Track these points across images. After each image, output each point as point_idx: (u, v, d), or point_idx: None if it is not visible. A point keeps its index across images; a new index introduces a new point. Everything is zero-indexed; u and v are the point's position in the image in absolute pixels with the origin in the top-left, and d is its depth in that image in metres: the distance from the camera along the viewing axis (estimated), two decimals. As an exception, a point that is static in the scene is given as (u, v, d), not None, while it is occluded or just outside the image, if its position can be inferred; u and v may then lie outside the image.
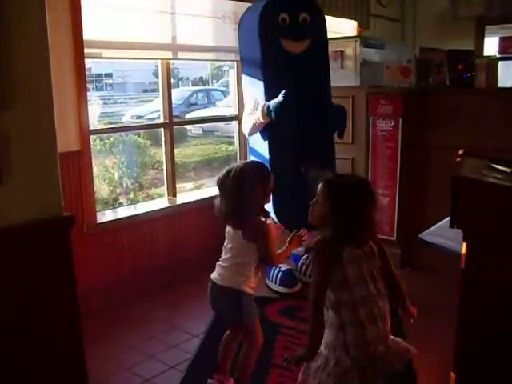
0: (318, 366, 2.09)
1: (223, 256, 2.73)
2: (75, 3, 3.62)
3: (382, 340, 2.11)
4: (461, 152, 2.59)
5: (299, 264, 4.23)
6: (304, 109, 3.77)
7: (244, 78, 4.19)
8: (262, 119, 3.74)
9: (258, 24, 3.78)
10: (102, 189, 5.10)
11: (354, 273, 2.07)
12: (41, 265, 2.01)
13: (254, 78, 3.96)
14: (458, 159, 2.48)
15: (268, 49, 3.81)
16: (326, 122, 3.92)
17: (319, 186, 2.13)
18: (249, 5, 4.95)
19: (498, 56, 6.30)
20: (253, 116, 3.85)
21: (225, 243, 2.74)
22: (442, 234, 2.62)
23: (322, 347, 2.12)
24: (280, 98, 3.65)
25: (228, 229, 2.71)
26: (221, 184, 2.67)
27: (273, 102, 3.68)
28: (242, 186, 2.57)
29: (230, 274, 2.64)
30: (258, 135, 3.96)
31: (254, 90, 3.96)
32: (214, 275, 2.72)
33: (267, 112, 3.69)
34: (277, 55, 3.79)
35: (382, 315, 2.12)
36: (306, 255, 4.18)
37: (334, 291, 2.06)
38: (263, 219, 2.63)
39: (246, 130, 3.99)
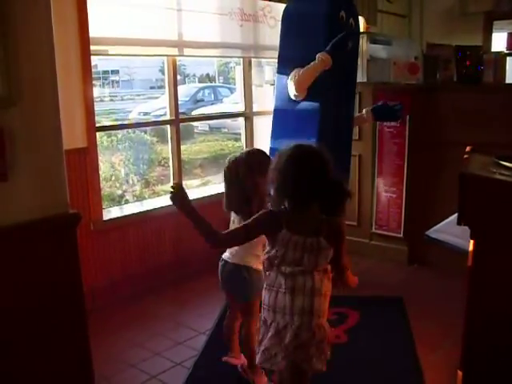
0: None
1: None
2: (81, 0, 3.62)
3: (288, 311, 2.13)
4: (468, 149, 2.58)
5: None
6: (342, 106, 3.90)
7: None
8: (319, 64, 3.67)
9: (325, 18, 3.77)
10: (108, 185, 5.11)
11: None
12: (47, 262, 2.01)
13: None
14: (466, 156, 2.47)
15: (323, 45, 3.83)
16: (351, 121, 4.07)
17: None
18: (257, 1, 4.96)
19: (506, 52, 6.26)
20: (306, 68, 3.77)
21: (230, 224, 2.86)
22: (449, 231, 2.61)
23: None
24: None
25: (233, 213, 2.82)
26: (225, 173, 2.74)
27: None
28: (244, 175, 2.65)
29: (239, 253, 2.78)
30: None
31: None
32: (224, 254, 2.89)
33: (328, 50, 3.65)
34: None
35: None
36: None
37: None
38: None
39: (301, 80, 3.88)
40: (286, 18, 3.96)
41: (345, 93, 3.92)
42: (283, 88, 3.86)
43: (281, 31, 4.00)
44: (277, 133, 3.98)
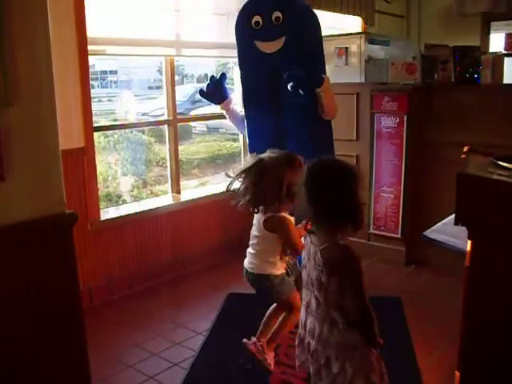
0: None
1: (250, 242, 2.91)
2: (79, 0, 3.61)
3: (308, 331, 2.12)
4: (466, 149, 2.58)
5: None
6: (278, 107, 3.73)
7: None
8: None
9: (234, 29, 3.82)
10: (105, 186, 5.10)
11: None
12: (43, 262, 2.00)
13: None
14: (463, 156, 2.47)
15: (243, 52, 3.84)
16: (302, 121, 3.82)
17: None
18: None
19: (503, 52, 6.27)
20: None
21: (252, 229, 2.89)
22: (447, 231, 2.61)
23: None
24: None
25: (255, 215, 2.84)
26: (247, 172, 2.68)
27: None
28: (262, 177, 2.63)
29: (257, 262, 2.82)
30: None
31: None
32: (245, 263, 2.91)
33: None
34: (251, 57, 3.80)
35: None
36: None
37: None
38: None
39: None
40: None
41: (270, 92, 3.74)
42: None
43: None
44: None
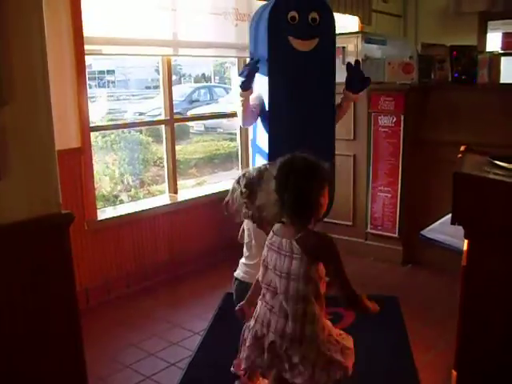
0: None
1: (246, 253, 2.84)
2: (75, 0, 3.61)
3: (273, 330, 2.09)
4: (462, 148, 2.58)
5: None
6: (304, 106, 3.77)
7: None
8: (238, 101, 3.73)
9: (267, 22, 3.77)
10: (102, 185, 5.09)
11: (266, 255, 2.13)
12: (39, 262, 2.00)
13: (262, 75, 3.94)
14: (460, 155, 2.47)
15: (276, 46, 3.81)
16: (327, 121, 3.90)
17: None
18: (251, 1, 4.96)
19: (500, 52, 6.27)
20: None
21: (246, 240, 2.84)
22: (444, 230, 2.61)
23: None
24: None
25: (251, 224, 2.75)
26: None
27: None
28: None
29: (251, 272, 2.71)
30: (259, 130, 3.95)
31: (260, 87, 3.94)
32: (239, 274, 2.81)
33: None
34: (283, 52, 3.78)
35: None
36: None
37: None
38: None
39: (240, 120, 3.95)
40: (252, 22, 3.99)
41: (298, 92, 3.77)
42: None
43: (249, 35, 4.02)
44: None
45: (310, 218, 2.07)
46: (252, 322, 2.18)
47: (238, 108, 3.74)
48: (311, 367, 2.04)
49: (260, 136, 3.95)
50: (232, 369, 2.89)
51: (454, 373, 2.14)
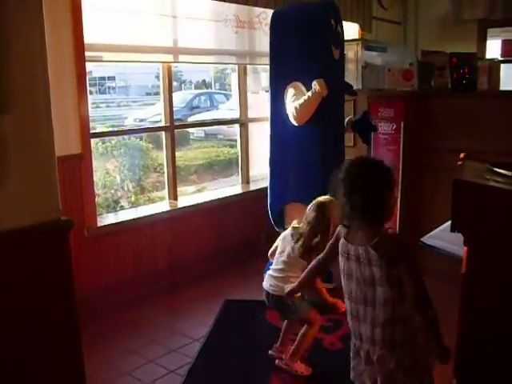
0: None
1: (275, 266, 3.04)
2: (76, 6, 3.62)
3: (365, 339, 2.10)
4: (462, 155, 2.58)
5: None
6: (335, 114, 4.00)
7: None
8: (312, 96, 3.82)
9: (313, 26, 3.81)
10: (103, 192, 5.09)
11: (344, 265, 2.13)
12: (39, 268, 2.00)
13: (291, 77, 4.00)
14: (460, 163, 2.47)
15: (320, 51, 3.86)
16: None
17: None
18: (252, 8, 4.97)
19: (500, 59, 6.29)
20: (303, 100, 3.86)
21: (277, 254, 3.05)
22: (444, 237, 2.61)
23: None
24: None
25: (285, 239, 3.04)
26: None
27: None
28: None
29: (283, 285, 2.88)
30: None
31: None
32: (266, 285, 3.04)
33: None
34: (325, 57, 3.88)
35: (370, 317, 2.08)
36: None
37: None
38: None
39: (301, 113, 3.93)
40: (277, 24, 3.99)
41: (337, 107, 3.95)
42: (279, 111, 4.01)
43: (271, 38, 4.04)
44: (276, 158, 4.12)
45: (381, 219, 2.08)
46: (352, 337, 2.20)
47: (309, 105, 3.78)
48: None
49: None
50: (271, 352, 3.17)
51: (454, 381, 2.14)
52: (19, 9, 1.87)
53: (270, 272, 3.06)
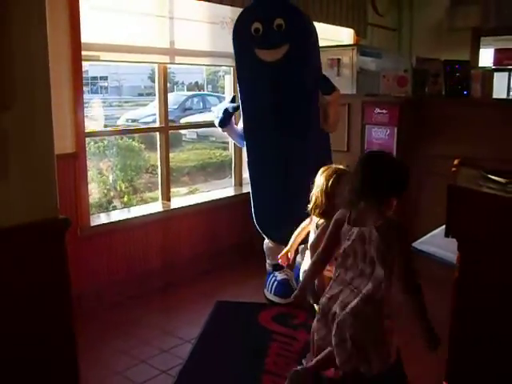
0: None
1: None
2: (74, 6, 3.62)
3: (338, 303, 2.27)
4: (456, 162, 2.61)
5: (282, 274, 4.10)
6: (278, 118, 3.76)
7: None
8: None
9: (232, 37, 3.79)
10: (95, 192, 5.09)
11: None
12: (35, 266, 2.00)
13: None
14: (454, 169, 2.49)
15: (242, 60, 3.80)
16: (304, 135, 3.83)
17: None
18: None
19: (493, 67, 6.35)
20: None
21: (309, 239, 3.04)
22: (436, 243, 2.64)
23: None
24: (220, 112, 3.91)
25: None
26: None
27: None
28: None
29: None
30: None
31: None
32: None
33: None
34: (251, 65, 3.74)
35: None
36: (273, 272, 4.16)
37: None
38: None
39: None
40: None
41: (273, 102, 3.76)
42: None
43: None
44: None
45: (387, 199, 2.26)
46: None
47: (228, 136, 3.82)
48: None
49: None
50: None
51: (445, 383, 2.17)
52: (23, 9, 1.87)
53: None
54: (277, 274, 4.06)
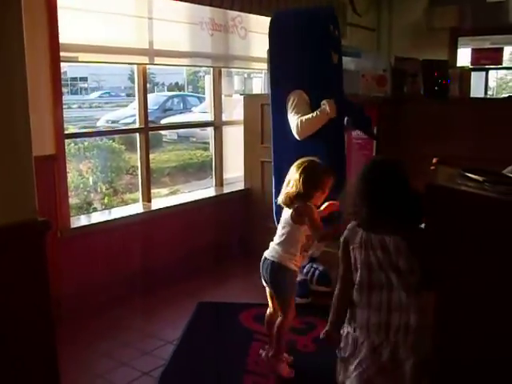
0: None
1: (276, 236, 3.11)
2: (51, 7, 3.59)
3: (384, 328, 2.17)
4: (435, 160, 2.63)
5: (304, 273, 4.15)
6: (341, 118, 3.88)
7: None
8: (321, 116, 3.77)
9: (313, 32, 3.78)
10: (75, 193, 5.05)
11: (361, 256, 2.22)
12: (14, 269, 1.98)
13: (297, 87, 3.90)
14: (433, 168, 2.51)
15: (316, 60, 3.82)
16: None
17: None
18: (227, 12, 4.99)
19: (470, 67, 6.41)
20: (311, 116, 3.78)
21: (278, 226, 3.14)
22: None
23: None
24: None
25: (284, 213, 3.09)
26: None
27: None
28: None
29: (280, 251, 3.02)
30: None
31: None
32: (266, 252, 3.09)
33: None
34: (327, 66, 3.82)
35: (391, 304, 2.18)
36: (309, 263, 4.18)
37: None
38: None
39: (305, 130, 3.89)
40: (275, 31, 3.96)
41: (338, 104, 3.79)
42: (281, 120, 3.89)
43: (271, 45, 4.00)
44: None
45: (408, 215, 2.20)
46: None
47: (315, 123, 3.73)
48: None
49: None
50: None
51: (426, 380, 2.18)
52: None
53: (272, 243, 3.11)
54: (315, 265, 4.19)
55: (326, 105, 3.70)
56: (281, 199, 3.04)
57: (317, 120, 3.71)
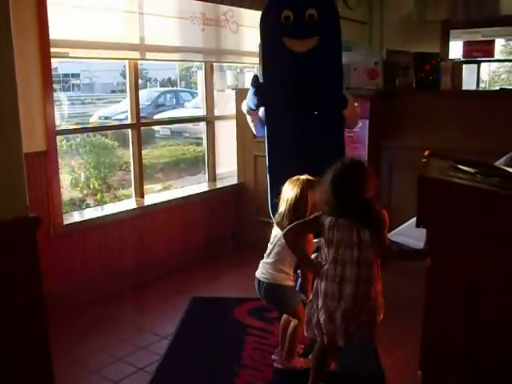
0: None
1: (266, 254, 3.03)
2: (41, 2, 3.57)
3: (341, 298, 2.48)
4: (427, 153, 2.63)
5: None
6: (304, 107, 3.68)
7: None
8: (247, 114, 3.74)
9: (259, 24, 3.69)
10: (68, 190, 5.04)
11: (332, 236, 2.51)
12: (5, 266, 1.97)
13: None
14: (424, 160, 2.52)
15: (270, 48, 3.67)
16: (328, 123, 3.75)
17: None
18: (219, 6, 4.98)
19: (462, 59, 6.41)
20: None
21: (269, 243, 3.04)
22: (409, 233, 2.65)
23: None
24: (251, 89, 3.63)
25: (274, 230, 3.02)
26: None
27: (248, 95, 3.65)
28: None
29: (272, 272, 2.93)
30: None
31: None
32: (258, 273, 3.01)
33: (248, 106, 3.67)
34: (278, 55, 3.63)
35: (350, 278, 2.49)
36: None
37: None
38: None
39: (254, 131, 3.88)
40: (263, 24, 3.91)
41: (297, 93, 3.66)
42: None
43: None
44: None
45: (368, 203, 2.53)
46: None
47: (250, 123, 3.71)
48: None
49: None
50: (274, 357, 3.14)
51: (419, 373, 2.19)
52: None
53: (262, 261, 3.01)
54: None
55: (244, 102, 3.69)
56: (277, 220, 2.94)
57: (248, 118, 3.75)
